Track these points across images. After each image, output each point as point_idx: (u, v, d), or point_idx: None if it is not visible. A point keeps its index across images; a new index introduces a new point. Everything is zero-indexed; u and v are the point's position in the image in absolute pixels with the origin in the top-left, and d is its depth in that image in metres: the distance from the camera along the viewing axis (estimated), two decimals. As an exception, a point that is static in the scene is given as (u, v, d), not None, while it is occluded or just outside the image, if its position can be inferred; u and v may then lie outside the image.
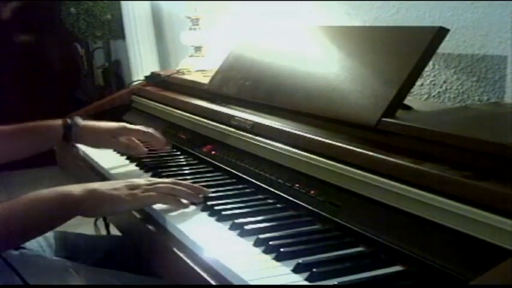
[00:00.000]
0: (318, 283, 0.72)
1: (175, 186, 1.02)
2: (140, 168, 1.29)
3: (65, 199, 0.96)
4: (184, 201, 1.01)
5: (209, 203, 1.01)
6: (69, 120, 1.31)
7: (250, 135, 1.17)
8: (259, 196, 1.05)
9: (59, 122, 1.31)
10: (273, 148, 1.09)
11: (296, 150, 1.03)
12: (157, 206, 1.01)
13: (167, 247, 0.92)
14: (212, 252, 0.82)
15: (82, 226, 1.42)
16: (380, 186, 0.83)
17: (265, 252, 0.81)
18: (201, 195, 1.03)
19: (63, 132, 1.29)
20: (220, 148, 1.26)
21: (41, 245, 1.18)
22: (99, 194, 0.98)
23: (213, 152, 1.27)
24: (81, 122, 1.31)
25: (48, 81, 3.91)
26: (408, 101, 1.02)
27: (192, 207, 1.01)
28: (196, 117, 1.42)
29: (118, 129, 1.33)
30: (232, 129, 1.24)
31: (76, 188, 0.98)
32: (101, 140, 1.32)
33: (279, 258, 0.79)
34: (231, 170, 1.16)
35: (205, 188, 1.05)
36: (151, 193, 1.00)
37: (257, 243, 0.84)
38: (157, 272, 1.02)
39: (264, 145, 1.12)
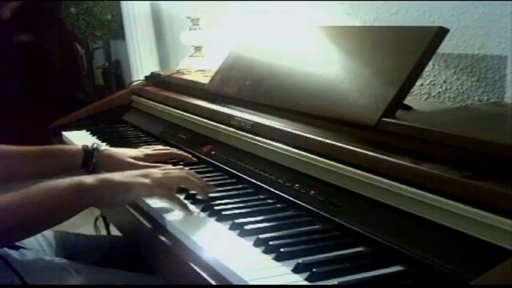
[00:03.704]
0: (318, 283, 0.72)
1: (189, 177, 1.03)
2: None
3: (77, 188, 0.96)
4: (190, 207, 1.01)
5: (209, 203, 1.01)
6: (89, 146, 1.26)
7: (250, 135, 1.17)
8: (259, 196, 1.05)
9: (78, 146, 1.27)
10: (273, 148, 1.09)
11: (296, 150, 1.03)
12: (158, 206, 1.02)
13: (167, 247, 0.92)
14: (212, 252, 0.82)
15: (82, 226, 1.43)
16: (380, 186, 0.83)
17: (265, 252, 0.81)
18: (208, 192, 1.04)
19: (83, 158, 1.24)
20: (220, 148, 1.26)
21: (41, 245, 1.18)
22: (111, 182, 0.99)
23: (213, 152, 1.27)
24: (102, 147, 1.27)
25: (48, 81, 3.91)
26: (408, 101, 1.02)
27: (192, 207, 1.01)
28: (196, 117, 1.42)
29: (140, 156, 1.27)
30: (232, 129, 1.24)
31: (88, 178, 0.98)
32: (123, 168, 1.20)
33: (279, 258, 0.79)
34: (231, 170, 1.16)
35: (212, 187, 1.06)
36: (163, 187, 1.00)
37: (257, 243, 0.84)
38: (157, 272, 1.02)
39: (264, 145, 1.12)
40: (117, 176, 1.01)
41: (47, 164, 1.24)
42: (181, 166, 1.12)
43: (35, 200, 0.93)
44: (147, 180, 1.00)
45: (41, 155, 1.24)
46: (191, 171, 1.11)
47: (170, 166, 1.13)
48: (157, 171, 1.04)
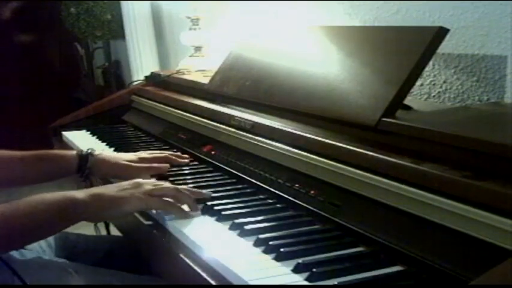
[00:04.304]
0: (318, 283, 0.72)
1: (182, 191, 1.01)
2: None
3: (68, 203, 0.95)
4: (186, 208, 0.99)
5: (209, 203, 1.01)
6: (84, 151, 1.25)
7: (250, 135, 1.17)
8: (259, 196, 1.05)
9: (73, 152, 1.26)
10: (273, 148, 1.09)
11: (296, 150, 1.03)
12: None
13: (167, 247, 0.92)
14: (212, 252, 0.82)
15: (82, 226, 1.42)
16: (380, 186, 0.83)
17: (265, 252, 0.81)
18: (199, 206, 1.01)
19: (78, 163, 1.23)
20: (220, 148, 1.26)
21: (41, 245, 1.18)
22: (103, 197, 0.98)
23: (213, 152, 1.27)
24: (96, 152, 1.26)
25: (48, 81, 3.91)
26: (408, 101, 1.02)
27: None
28: (196, 117, 1.42)
29: (135, 159, 1.25)
30: (232, 129, 1.24)
31: (80, 193, 0.97)
32: (118, 170, 1.22)
33: (279, 258, 0.79)
34: (231, 170, 1.16)
35: (205, 192, 1.04)
36: (157, 198, 0.99)
37: (257, 243, 0.84)
38: (157, 272, 1.02)
39: (264, 145, 1.12)
40: (109, 190, 1.00)
41: (45, 169, 1.23)
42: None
43: (24, 212, 0.92)
44: (139, 193, 0.98)
45: (38, 159, 1.23)
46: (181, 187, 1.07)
47: (162, 182, 1.11)
48: (148, 182, 1.03)
